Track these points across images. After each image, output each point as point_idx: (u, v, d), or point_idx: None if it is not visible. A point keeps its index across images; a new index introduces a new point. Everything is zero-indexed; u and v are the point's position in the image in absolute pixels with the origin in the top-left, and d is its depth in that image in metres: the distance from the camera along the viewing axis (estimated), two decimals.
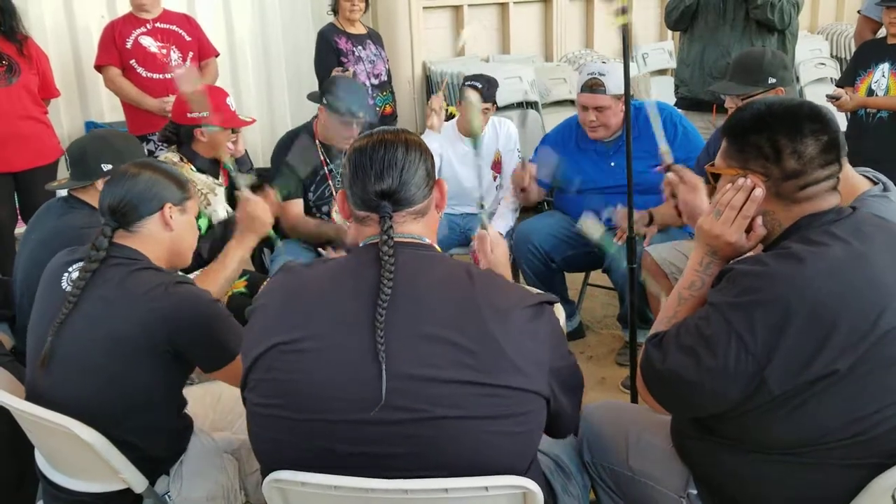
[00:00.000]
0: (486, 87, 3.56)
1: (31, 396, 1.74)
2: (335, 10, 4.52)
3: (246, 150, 2.98)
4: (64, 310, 1.66)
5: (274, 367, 1.33)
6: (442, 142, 3.68)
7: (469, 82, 3.59)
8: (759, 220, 1.51)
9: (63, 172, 2.40)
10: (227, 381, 1.80)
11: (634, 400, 2.55)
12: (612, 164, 3.29)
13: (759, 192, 1.48)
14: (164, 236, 1.81)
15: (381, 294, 1.29)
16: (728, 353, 1.36)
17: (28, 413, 1.65)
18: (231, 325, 1.75)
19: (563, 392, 1.41)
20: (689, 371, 1.41)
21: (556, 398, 1.39)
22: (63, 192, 2.35)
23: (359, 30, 4.56)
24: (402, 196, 1.39)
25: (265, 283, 1.51)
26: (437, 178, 1.49)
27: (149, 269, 1.74)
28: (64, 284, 1.73)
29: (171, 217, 1.80)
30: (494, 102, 3.66)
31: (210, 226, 2.79)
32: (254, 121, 2.88)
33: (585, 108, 3.22)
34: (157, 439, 1.75)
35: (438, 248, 1.46)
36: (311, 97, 3.30)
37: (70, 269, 1.75)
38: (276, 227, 3.38)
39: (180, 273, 1.92)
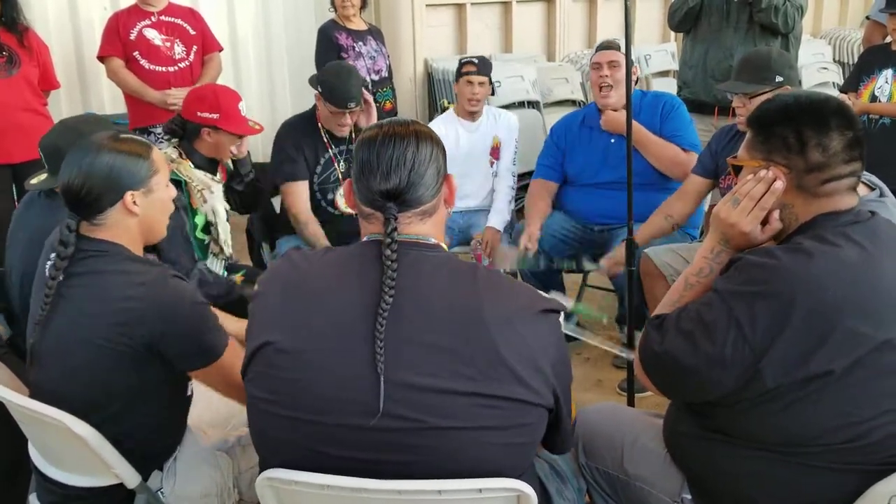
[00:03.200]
0: (482, 64, 3.68)
1: (32, 388, 1.74)
2: (334, 6, 4.52)
3: (248, 152, 2.97)
4: (41, 311, 1.63)
5: (272, 364, 1.31)
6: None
7: (465, 59, 3.72)
8: (776, 214, 1.51)
9: None
10: (207, 383, 1.75)
11: (631, 402, 2.55)
12: (613, 140, 3.36)
13: (780, 184, 1.48)
14: (130, 222, 1.73)
15: (381, 304, 1.25)
16: (726, 341, 1.37)
17: (21, 406, 1.64)
18: (215, 327, 1.69)
19: (565, 405, 1.40)
20: (686, 355, 1.42)
21: (559, 409, 1.37)
22: None
23: (359, 26, 4.56)
24: (410, 197, 1.33)
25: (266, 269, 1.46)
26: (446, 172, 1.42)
27: (125, 260, 1.68)
28: (47, 274, 1.69)
29: (133, 203, 1.71)
30: (490, 81, 3.75)
31: (207, 223, 2.77)
32: (262, 129, 2.88)
33: (599, 65, 3.33)
34: (151, 436, 1.73)
35: (445, 247, 1.41)
36: (311, 81, 3.30)
37: (51, 257, 1.70)
38: (275, 221, 3.39)
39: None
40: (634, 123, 3.19)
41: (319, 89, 3.17)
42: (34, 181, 2.29)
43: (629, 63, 2.53)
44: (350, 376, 1.25)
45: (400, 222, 1.33)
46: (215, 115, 2.70)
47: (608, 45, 3.35)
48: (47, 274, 1.68)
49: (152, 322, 1.59)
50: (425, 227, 1.37)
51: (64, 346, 1.64)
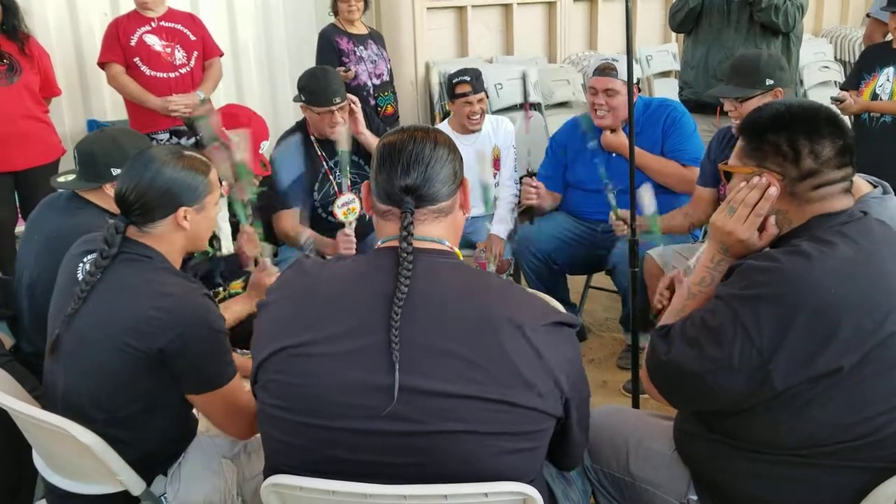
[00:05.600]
0: (474, 79, 3.59)
1: (45, 385, 1.75)
2: (335, 11, 4.52)
3: None
4: (73, 304, 1.65)
5: (282, 370, 1.32)
6: None
7: (457, 78, 3.61)
8: (772, 220, 1.52)
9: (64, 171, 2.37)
10: (206, 412, 1.74)
11: (636, 404, 2.54)
12: (615, 154, 3.31)
13: (774, 190, 1.48)
14: (176, 235, 1.77)
15: (396, 293, 1.26)
16: (733, 346, 1.37)
17: (25, 415, 1.64)
18: (226, 359, 1.69)
19: (577, 421, 1.40)
20: (693, 362, 1.42)
21: (568, 423, 1.37)
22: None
23: (360, 30, 4.56)
24: (426, 192, 1.37)
25: (276, 277, 1.47)
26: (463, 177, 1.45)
27: (160, 270, 1.71)
28: (79, 275, 1.72)
29: (185, 218, 1.75)
30: (486, 93, 3.70)
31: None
32: (268, 174, 2.91)
33: (595, 91, 3.25)
34: (156, 442, 1.73)
35: (459, 252, 1.43)
36: (295, 99, 3.32)
37: (85, 260, 1.74)
38: (270, 235, 3.40)
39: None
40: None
41: (303, 98, 3.19)
42: (61, 179, 2.29)
43: (630, 82, 2.48)
44: (361, 380, 1.26)
45: (416, 218, 1.35)
46: (235, 139, 2.70)
47: (606, 70, 3.21)
48: (81, 271, 1.71)
49: (170, 335, 1.60)
50: (440, 228, 1.40)
51: (85, 341, 1.65)
